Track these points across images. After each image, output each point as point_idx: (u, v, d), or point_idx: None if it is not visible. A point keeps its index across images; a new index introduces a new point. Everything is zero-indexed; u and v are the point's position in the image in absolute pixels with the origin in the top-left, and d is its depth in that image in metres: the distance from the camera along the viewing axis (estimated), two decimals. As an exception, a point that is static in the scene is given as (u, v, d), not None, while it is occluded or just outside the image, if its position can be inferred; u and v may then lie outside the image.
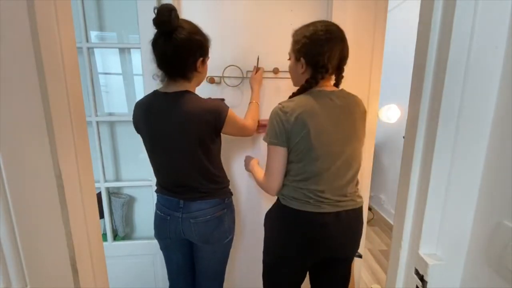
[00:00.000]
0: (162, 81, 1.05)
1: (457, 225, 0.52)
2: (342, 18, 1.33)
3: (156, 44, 0.97)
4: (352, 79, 1.42)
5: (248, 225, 1.61)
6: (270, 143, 0.99)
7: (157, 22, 0.92)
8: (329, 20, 1.31)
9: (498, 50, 0.45)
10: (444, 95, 0.47)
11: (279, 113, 0.96)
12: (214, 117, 1.02)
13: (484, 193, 0.49)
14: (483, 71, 0.46)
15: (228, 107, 1.07)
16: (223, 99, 1.30)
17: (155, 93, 1.06)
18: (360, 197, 1.06)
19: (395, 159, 2.86)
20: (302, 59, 0.98)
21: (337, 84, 1.07)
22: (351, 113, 1.00)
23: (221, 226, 1.14)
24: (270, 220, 1.11)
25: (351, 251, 1.10)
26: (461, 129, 0.48)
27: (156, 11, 0.91)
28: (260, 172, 1.12)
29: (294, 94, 1.02)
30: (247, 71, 1.40)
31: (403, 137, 0.61)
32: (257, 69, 1.33)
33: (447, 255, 0.53)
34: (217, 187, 1.12)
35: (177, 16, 0.93)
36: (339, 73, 1.04)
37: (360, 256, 1.58)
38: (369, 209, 2.73)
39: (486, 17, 0.44)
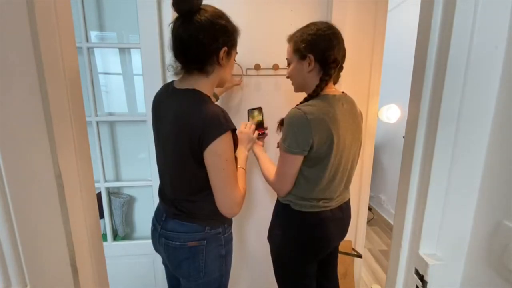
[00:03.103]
0: (176, 74, 0.89)
1: (457, 225, 0.52)
2: (342, 18, 1.33)
3: (174, 27, 0.81)
4: (352, 79, 1.43)
5: (249, 225, 1.61)
6: (288, 152, 0.91)
7: (175, 2, 0.77)
8: (328, 20, 1.32)
9: (498, 50, 0.45)
10: (444, 95, 0.47)
11: (303, 120, 0.88)
12: (202, 131, 0.77)
13: (484, 193, 0.49)
14: (483, 71, 0.46)
15: (229, 130, 0.79)
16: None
17: (168, 86, 0.92)
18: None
19: (395, 159, 2.85)
20: (310, 55, 0.94)
21: (335, 83, 1.05)
22: (356, 117, 1.02)
23: (194, 260, 0.89)
24: (280, 231, 1.07)
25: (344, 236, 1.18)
26: (461, 129, 0.48)
27: None
28: (270, 169, 1.04)
29: (307, 99, 0.97)
30: (247, 69, 1.40)
31: (403, 137, 0.61)
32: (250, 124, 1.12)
33: (447, 255, 0.53)
34: (198, 206, 0.88)
35: None
36: (339, 71, 1.02)
37: (360, 256, 1.59)
38: (369, 209, 2.73)
39: (486, 17, 0.44)
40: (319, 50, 0.94)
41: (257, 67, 1.40)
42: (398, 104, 2.30)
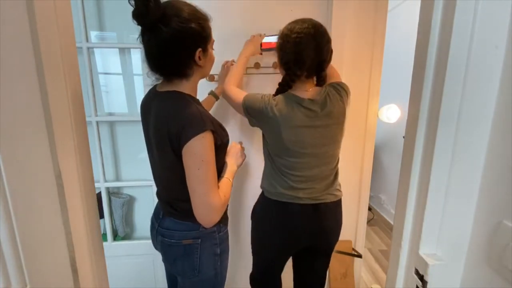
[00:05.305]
0: (157, 79, 0.88)
1: (457, 225, 0.52)
2: (342, 18, 1.33)
3: (143, 41, 0.79)
4: (352, 79, 1.42)
5: (246, 225, 1.60)
6: (243, 105, 1.05)
7: (134, 15, 0.72)
8: (328, 20, 1.31)
9: (498, 50, 0.45)
10: (444, 95, 0.47)
11: (269, 100, 1.00)
12: (180, 130, 0.75)
13: (484, 193, 0.49)
14: (483, 71, 0.46)
15: (207, 130, 0.76)
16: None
17: (151, 90, 0.92)
18: (340, 190, 1.12)
19: (395, 159, 2.85)
20: (277, 57, 1.03)
21: (319, 84, 1.07)
22: (328, 117, 1.00)
23: (188, 258, 0.89)
24: (254, 213, 1.18)
25: (329, 241, 1.14)
26: (461, 129, 0.48)
27: (131, 1, 0.71)
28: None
29: (275, 95, 1.05)
30: (247, 68, 1.40)
31: (403, 137, 0.61)
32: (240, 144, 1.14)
33: (447, 255, 0.53)
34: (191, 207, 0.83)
35: (157, 4, 0.72)
36: (319, 75, 1.04)
37: (360, 256, 1.59)
38: (369, 209, 2.73)
39: (486, 17, 0.44)
40: (281, 57, 1.01)
41: (257, 66, 1.40)
42: (398, 104, 2.30)
